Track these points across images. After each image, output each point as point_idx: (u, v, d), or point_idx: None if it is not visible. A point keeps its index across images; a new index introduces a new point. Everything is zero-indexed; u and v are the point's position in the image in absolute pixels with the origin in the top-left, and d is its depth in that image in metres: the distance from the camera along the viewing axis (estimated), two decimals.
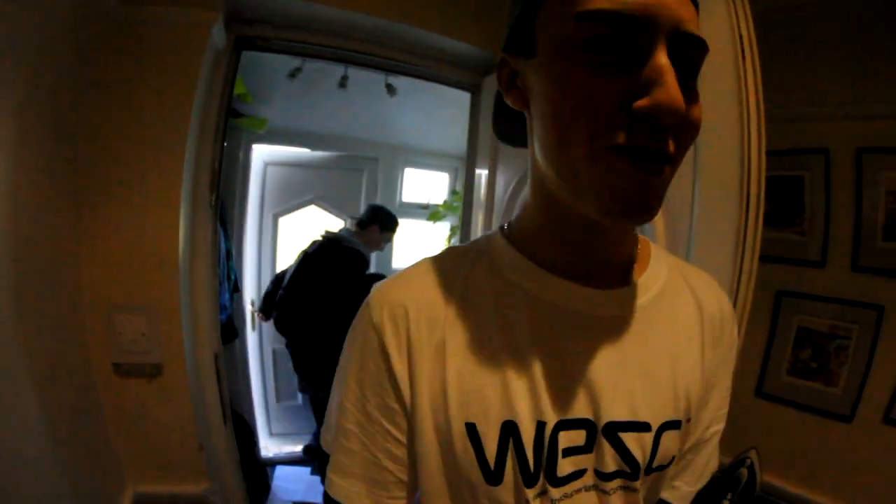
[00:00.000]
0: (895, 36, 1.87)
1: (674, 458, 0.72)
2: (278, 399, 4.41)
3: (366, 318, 0.72)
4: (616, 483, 0.68)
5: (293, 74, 3.43)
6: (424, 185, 4.94)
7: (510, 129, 0.82)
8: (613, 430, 0.66)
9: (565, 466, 0.66)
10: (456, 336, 0.69)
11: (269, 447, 4.17)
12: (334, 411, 0.76)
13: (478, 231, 2.51)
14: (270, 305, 3.79)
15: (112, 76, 1.66)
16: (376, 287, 0.75)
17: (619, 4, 0.51)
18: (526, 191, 0.74)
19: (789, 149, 2.11)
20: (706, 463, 0.81)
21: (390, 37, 2.20)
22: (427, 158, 4.85)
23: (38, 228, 1.43)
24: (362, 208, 4.22)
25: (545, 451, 0.65)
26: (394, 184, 4.75)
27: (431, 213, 4.73)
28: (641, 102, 0.51)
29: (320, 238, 3.68)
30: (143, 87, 1.70)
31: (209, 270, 1.98)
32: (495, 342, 0.68)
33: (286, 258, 4.18)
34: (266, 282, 4.12)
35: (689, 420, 0.73)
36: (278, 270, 4.11)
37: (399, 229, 4.10)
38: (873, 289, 1.96)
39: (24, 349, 1.33)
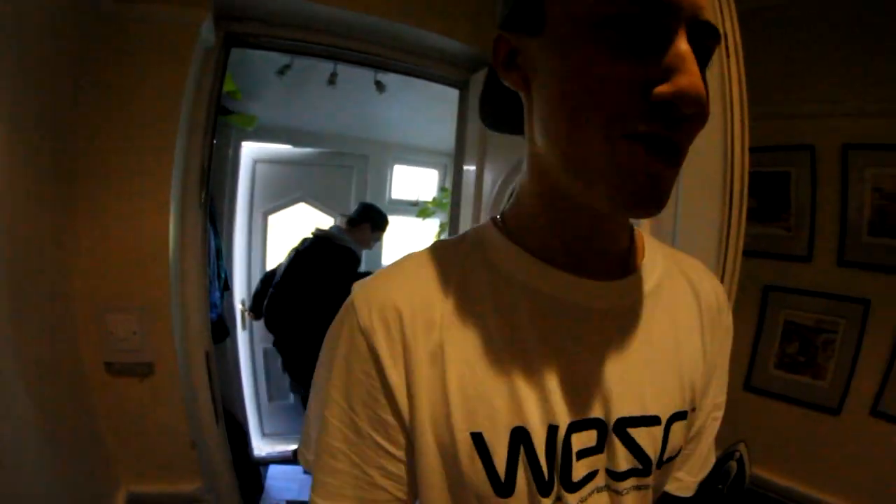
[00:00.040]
0: (880, 34, 1.89)
1: (680, 449, 0.70)
2: (270, 399, 4.39)
3: (351, 321, 0.64)
4: (629, 483, 0.65)
5: (282, 71, 3.42)
6: (414, 181, 4.94)
7: (500, 114, 0.77)
8: (624, 427, 0.64)
9: (579, 470, 0.62)
10: (455, 338, 0.63)
11: (261, 447, 4.14)
12: (314, 426, 0.69)
13: (467, 227, 2.51)
14: (260, 304, 3.77)
15: (101, 74, 1.65)
16: (359, 287, 0.68)
17: None
18: (521, 179, 0.70)
19: (776, 145, 2.13)
20: (708, 452, 0.80)
21: (379, 34, 2.20)
22: (416, 155, 4.85)
23: (28, 228, 1.42)
24: (352, 205, 4.21)
25: (559, 456, 0.61)
26: (383, 181, 4.75)
27: (421, 209, 4.73)
28: (663, 89, 0.48)
29: (311, 236, 3.66)
30: (132, 84, 1.69)
31: (199, 268, 1.97)
32: (498, 343, 0.63)
33: (276, 256, 4.17)
34: (256, 280, 4.10)
35: (693, 409, 0.71)
36: (268, 269, 4.10)
37: (389, 227, 4.09)
38: (859, 283, 1.98)
39: (16, 349, 1.32)
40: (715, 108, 1.35)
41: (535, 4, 0.56)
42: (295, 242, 3.72)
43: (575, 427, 0.62)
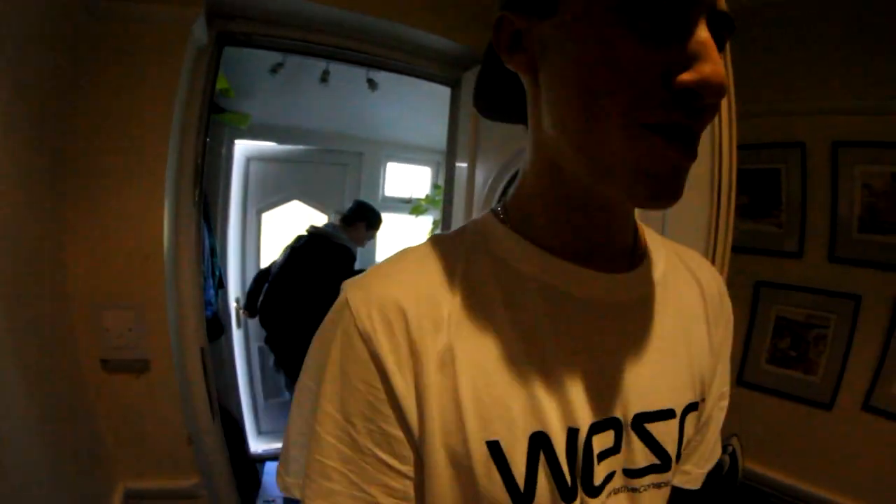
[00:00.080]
0: (872, 33, 1.91)
1: (690, 441, 0.69)
2: (266, 397, 4.39)
3: (346, 324, 0.58)
4: (648, 480, 0.63)
5: (275, 70, 3.43)
6: (407, 179, 4.95)
7: (499, 101, 0.73)
8: (641, 423, 0.61)
9: (600, 473, 0.59)
10: (465, 339, 0.58)
11: (257, 445, 4.14)
12: (295, 446, 0.64)
13: (459, 225, 2.50)
14: (254, 303, 3.77)
15: (94, 73, 1.65)
16: (353, 285, 0.61)
17: None
18: (523, 168, 0.66)
19: (766, 142, 2.15)
20: (713, 444, 0.79)
21: (371, 32, 2.20)
22: (409, 153, 4.86)
23: (23, 227, 1.42)
24: (345, 203, 4.21)
25: (580, 459, 0.58)
26: (376, 178, 4.76)
27: (414, 207, 4.74)
28: (687, 76, 0.46)
29: (305, 233, 3.67)
30: (125, 83, 1.68)
31: (194, 266, 1.97)
32: (511, 341, 0.58)
33: (270, 254, 4.16)
34: (250, 278, 4.09)
35: (702, 400, 0.70)
36: (262, 266, 4.09)
37: (382, 225, 4.10)
38: (850, 279, 2.00)
39: (12, 346, 1.32)
40: None
41: None
42: (289, 240, 3.72)
43: (595, 428, 0.59)
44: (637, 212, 0.71)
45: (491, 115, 0.77)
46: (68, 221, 1.64)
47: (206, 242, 3.13)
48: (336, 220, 3.93)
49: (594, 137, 0.51)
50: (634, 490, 0.62)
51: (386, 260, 0.65)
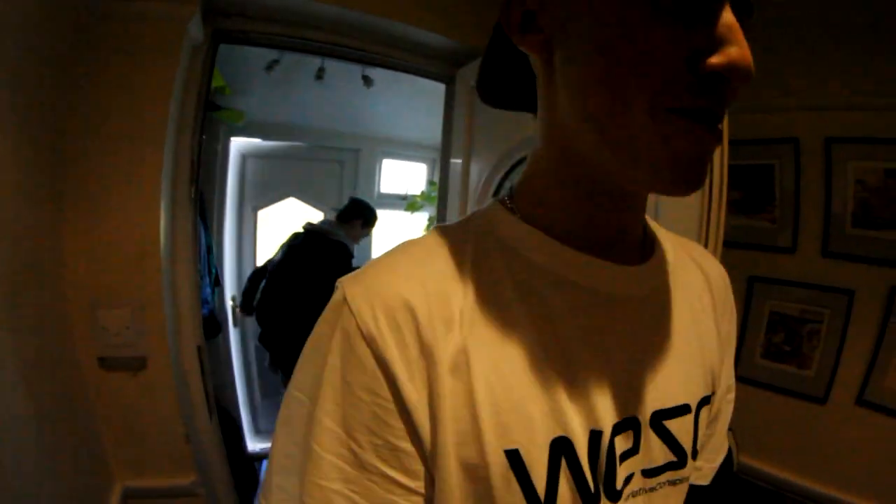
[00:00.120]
0: (865, 29, 1.91)
1: (702, 435, 0.67)
2: (263, 395, 4.39)
3: (346, 326, 0.52)
4: (664, 477, 0.60)
5: (270, 67, 3.43)
6: (402, 175, 4.96)
7: (504, 87, 0.70)
8: (660, 420, 0.59)
9: (620, 476, 0.56)
10: (480, 339, 0.53)
11: (255, 444, 4.12)
12: (285, 470, 0.55)
13: (454, 221, 2.50)
14: (250, 301, 3.77)
15: (89, 71, 1.65)
16: (352, 282, 0.55)
17: None
18: (534, 156, 0.62)
19: (760, 138, 2.16)
20: (722, 438, 0.78)
21: (366, 29, 2.20)
22: (405, 149, 4.86)
23: (19, 225, 1.42)
24: (341, 200, 4.21)
25: (602, 463, 0.54)
26: (372, 175, 4.76)
27: (409, 203, 4.74)
28: (716, 59, 0.44)
29: (302, 230, 3.67)
30: (120, 81, 1.68)
31: (190, 264, 1.97)
32: (530, 340, 0.54)
33: (266, 251, 4.16)
34: (247, 275, 4.08)
35: (713, 393, 0.68)
36: (258, 264, 4.09)
37: (378, 222, 4.10)
38: (843, 274, 2.01)
39: (10, 344, 1.32)
40: None
41: None
42: (285, 237, 3.72)
43: (617, 429, 0.55)
44: None
45: (495, 102, 0.74)
46: (64, 219, 1.64)
47: (203, 240, 3.13)
48: (332, 216, 3.93)
49: (618, 121, 0.48)
50: (651, 489, 0.60)
51: (386, 253, 0.60)
